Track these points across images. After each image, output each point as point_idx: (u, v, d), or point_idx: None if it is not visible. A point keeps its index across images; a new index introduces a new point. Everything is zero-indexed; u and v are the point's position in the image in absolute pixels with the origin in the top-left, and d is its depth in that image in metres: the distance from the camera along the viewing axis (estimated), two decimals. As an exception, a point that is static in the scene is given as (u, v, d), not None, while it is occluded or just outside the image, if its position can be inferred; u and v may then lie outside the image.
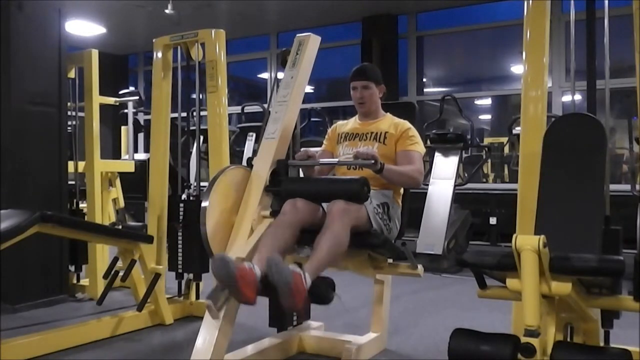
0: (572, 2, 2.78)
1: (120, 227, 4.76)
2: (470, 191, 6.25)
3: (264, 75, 9.59)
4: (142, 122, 6.76)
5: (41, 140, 4.17)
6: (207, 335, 2.40)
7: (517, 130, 5.48)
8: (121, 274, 3.60)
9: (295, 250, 2.70)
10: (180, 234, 3.70)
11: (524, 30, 2.57)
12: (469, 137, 5.61)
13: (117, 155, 7.36)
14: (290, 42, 2.99)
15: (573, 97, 2.94)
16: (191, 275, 3.95)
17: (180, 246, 3.70)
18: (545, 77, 2.55)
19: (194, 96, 4.12)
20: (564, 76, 6.87)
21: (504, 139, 7.53)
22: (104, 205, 4.78)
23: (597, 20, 2.76)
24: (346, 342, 3.01)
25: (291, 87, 2.85)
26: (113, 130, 8.48)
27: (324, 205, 2.61)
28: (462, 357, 1.98)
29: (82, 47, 5.10)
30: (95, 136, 4.49)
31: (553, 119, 2.58)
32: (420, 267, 2.80)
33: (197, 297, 4.07)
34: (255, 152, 3.37)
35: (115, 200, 5.22)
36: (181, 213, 3.72)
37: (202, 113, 4.12)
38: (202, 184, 4.37)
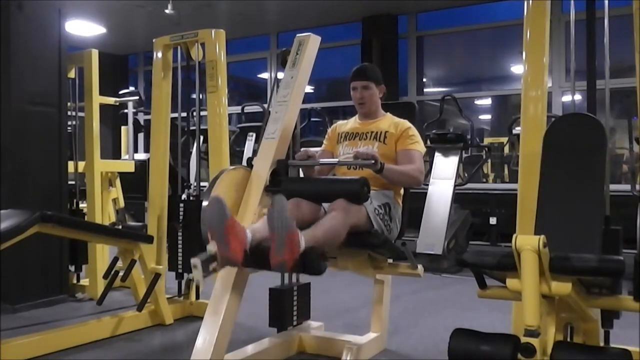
0: (572, 2, 2.77)
1: (120, 227, 4.76)
2: (470, 191, 6.25)
3: (264, 75, 9.59)
4: (142, 122, 6.76)
5: (41, 140, 4.17)
6: (207, 335, 2.39)
7: (517, 130, 5.48)
8: (121, 274, 3.60)
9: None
10: (180, 234, 3.70)
11: (524, 30, 2.57)
12: (469, 137, 5.61)
13: (117, 155, 7.36)
14: (290, 42, 2.99)
15: (573, 97, 2.94)
16: (191, 276, 3.95)
17: (180, 246, 3.70)
18: (545, 77, 2.55)
19: (194, 96, 4.12)
20: (564, 76, 6.86)
21: (504, 139, 7.53)
22: (104, 205, 4.78)
23: (597, 20, 2.76)
24: (346, 342, 3.01)
25: (291, 87, 2.84)
26: (113, 130, 8.48)
27: (325, 205, 2.61)
28: (462, 357, 1.98)
29: (82, 47, 5.10)
30: (95, 136, 4.49)
31: (553, 119, 2.58)
32: (420, 267, 2.81)
33: (197, 297, 4.08)
34: (255, 152, 3.36)
35: (115, 200, 5.23)
36: (181, 213, 3.71)
37: (202, 113, 4.12)
38: (202, 184, 4.37)
